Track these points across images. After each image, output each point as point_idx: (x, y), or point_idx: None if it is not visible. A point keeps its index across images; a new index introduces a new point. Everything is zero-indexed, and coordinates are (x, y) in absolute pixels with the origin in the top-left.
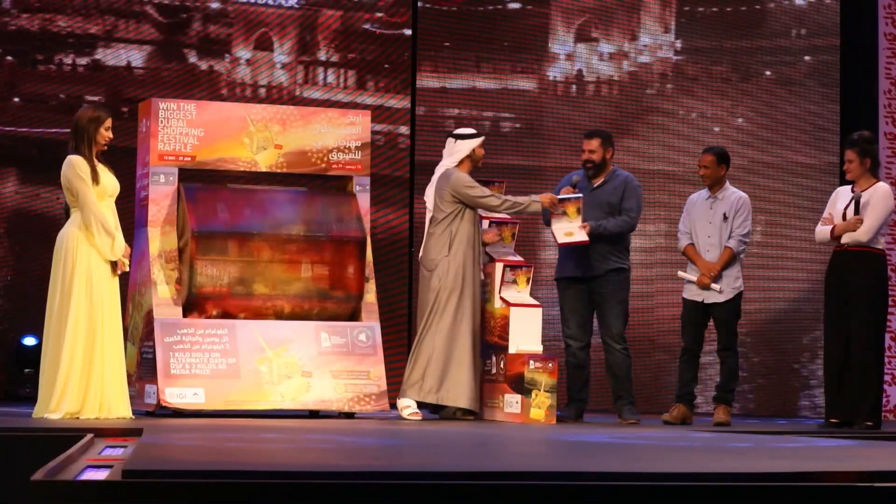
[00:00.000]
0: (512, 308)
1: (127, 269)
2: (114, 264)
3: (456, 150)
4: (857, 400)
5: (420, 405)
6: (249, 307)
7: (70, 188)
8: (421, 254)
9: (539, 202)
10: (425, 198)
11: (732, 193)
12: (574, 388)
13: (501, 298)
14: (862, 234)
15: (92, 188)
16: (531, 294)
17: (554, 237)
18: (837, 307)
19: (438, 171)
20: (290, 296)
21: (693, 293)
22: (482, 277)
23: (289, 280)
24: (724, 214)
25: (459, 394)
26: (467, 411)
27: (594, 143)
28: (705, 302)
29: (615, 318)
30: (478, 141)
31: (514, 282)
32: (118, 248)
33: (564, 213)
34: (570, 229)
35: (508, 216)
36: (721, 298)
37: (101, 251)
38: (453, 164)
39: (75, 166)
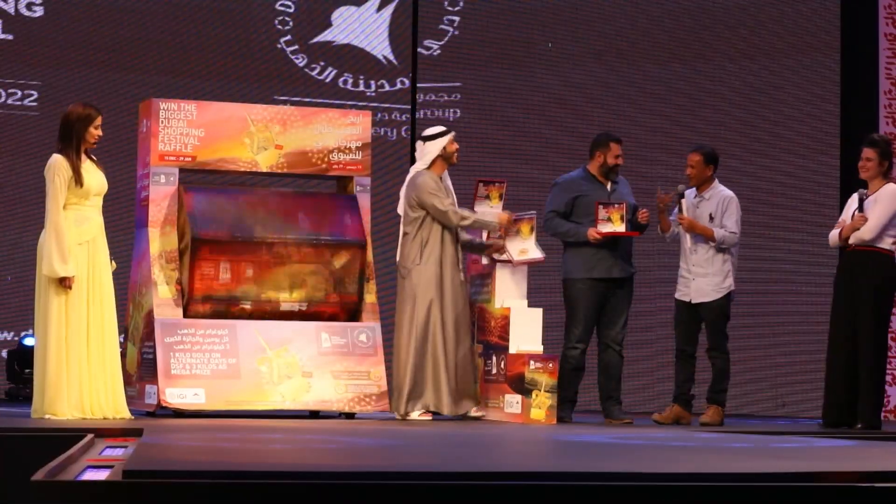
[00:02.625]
0: (512, 308)
1: (69, 287)
2: (62, 280)
3: (426, 153)
4: (857, 400)
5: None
6: (249, 313)
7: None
8: (397, 257)
9: (496, 223)
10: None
11: (719, 193)
12: (571, 390)
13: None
14: (865, 232)
15: (63, 194)
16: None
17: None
18: (844, 307)
19: (410, 173)
20: (291, 302)
21: (682, 293)
22: (461, 278)
23: (290, 286)
24: (711, 215)
25: (441, 402)
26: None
27: (621, 149)
28: (692, 302)
29: (624, 321)
30: (446, 138)
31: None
32: (67, 268)
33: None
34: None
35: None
36: (707, 298)
37: (49, 262)
38: (424, 167)
39: (53, 168)
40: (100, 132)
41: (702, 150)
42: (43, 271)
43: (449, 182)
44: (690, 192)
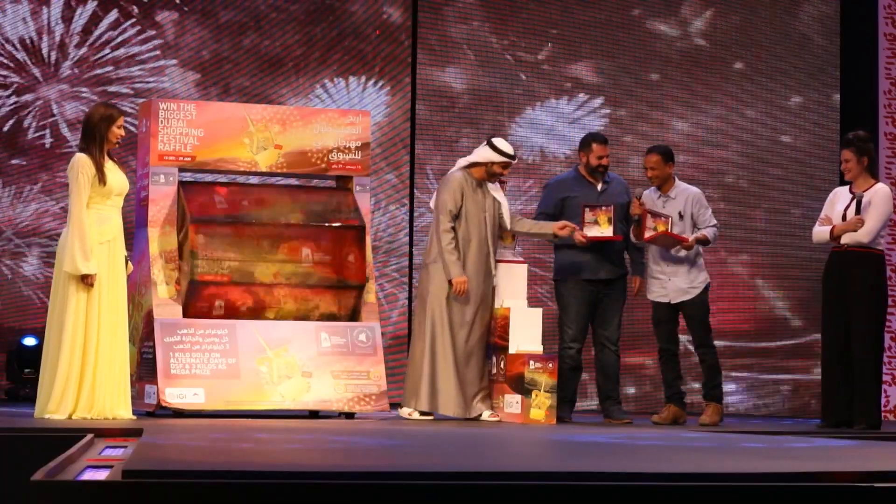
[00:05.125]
0: (512, 308)
1: (90, 279)
2: (84, 278)
3: (476, 153)
4: (856, 400)
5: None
6: (250, 294)
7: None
8: (426, 249)
9: (452, 279)
10: None
11: (685, 190)
12: (570, 390)
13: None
14: (863, 236)
15: (86, 192)
16: (528, 295)
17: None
18: (837, 307)
19: (456, 165)
20: (292, 284)
21: (658, 294)
22: (491, 283)
23: (290, 266)
24: (680, 213)
25: (447, 402)
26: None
27: (607, 150)
28: (672, 302)
29: (618, 321)
30: (498, 158)
31: (596, 222)
32: (90, 265)
33: (596, 222)
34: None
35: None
36: (688, 296)
37: (72, 259)
38: (465, 164)
39: (77, 166)
40: (122, 132)
41: (658, 150)
42: (65, 268)
43: (494, 192)
44: (655, 194)
